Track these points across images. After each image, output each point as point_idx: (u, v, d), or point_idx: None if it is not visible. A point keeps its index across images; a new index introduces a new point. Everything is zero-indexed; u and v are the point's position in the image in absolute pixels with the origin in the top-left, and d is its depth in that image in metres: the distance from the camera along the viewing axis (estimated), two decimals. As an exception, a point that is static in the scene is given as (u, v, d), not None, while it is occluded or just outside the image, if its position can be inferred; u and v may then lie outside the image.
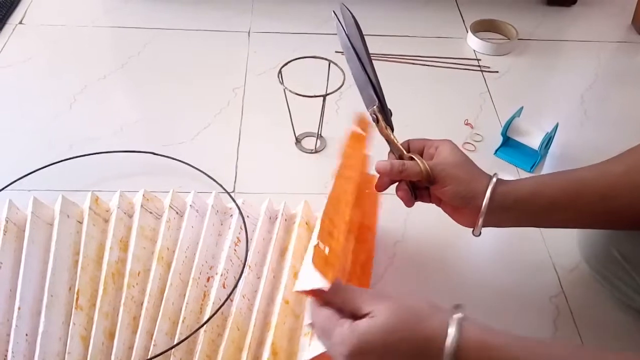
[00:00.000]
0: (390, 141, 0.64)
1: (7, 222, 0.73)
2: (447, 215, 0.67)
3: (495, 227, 0.64)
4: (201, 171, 0.88)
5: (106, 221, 0.76)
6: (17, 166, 0.87)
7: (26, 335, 0.65)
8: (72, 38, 1.17)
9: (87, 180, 0.88)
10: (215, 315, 0.68)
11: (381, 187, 0.65)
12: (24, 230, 0.72)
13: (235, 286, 0.70)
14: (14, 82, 1.06)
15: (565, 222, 0.65)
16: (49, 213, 0.76)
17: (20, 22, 1.20)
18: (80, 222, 0.75)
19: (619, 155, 0.63)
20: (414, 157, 0.62)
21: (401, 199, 0.66)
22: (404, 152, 0.64)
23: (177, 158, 0.90)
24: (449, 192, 0.62)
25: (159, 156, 0.90)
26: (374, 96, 0.63)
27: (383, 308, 0.47)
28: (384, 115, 0.64)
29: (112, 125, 0.98)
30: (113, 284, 0.70)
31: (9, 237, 0.72)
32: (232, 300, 0.69)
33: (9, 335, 0.65)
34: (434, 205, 0.84)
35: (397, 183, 0.66)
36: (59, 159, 0.88)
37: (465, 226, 0.65)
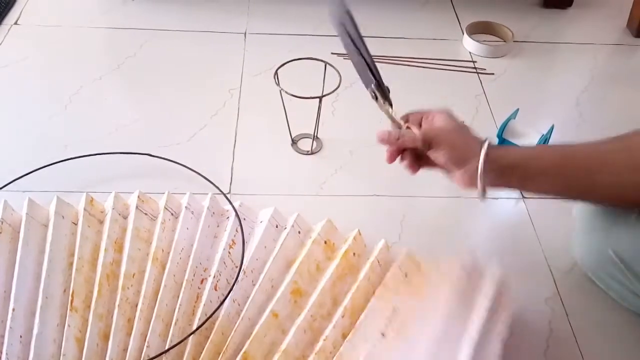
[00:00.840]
0: (389, 116, 0.69)
1: (1, 222, 0.73)
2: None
3: (487, 188, 0.65)
4: (197, 172, 0.88)
5: (101, 222, 0.76)
6: (12, 167, 0.87)
7: (20, 337, 0.65)
8: (67, 39, 1.17)
9: (83, 181, 0.87)
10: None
11: (390, 159, 0.69)
12: (19, 232, 0.72)
13: (231, 290, 0.70)
14: (9, 83, 1.06)
15: (553, 191, 0.67)
16: (43, 214, 0.75)
17: (16, 23, 1.20)
18: (75, 224, 0.75)
19: (616, 136, 0.65)
20: (410, 127, 0.67)
21: (406, 167, 0.69)
22: (403, 124, 0.68)
23: (172, 159, 0.90)
24: (444, 156, 0.64)
25: (155, 157, 0.90)
26: (371, 76, 0.68)
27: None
28: (382, 92, 0.69)
29: (108, 126, 0.97)
30: (108, 286, 0.70)
31: (4, 238, 0.72)
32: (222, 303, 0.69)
33: (3, 336, 0.64)
34: (428, 207, 0.85)
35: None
36: (54, 160, 0.88)
37: (465, 188, 0.66)
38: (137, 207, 0.76)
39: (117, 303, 0.68)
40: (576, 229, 0.78)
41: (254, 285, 0.71)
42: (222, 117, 1.01)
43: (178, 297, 0.69)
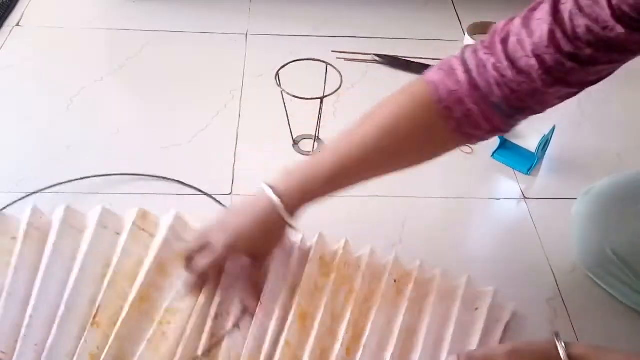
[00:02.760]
0: None
1: (29, 226, 0.70)
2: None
3: None
4: (200, 191, 0.88)
5: (152, 236, 0.73)
6: (13, 167, 0.87)
7: (35, 345, 0.62)
8: (69, 40, 1.17)
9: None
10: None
11: None
12: (47, 236, 0.70)
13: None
14: (11, 84, 1.06)
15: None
16: (81, 220, 0.73)
17: (18, 24, 1.20)
18: (119, 234, 0.72)
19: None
20: None
21: None
22: None
23: (202, 189, 0.88)
24: None
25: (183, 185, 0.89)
26: None
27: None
28: None
29: (109, 127, 0.97)
30: (139, 308, 0.66)
31: (30, 242, 0.69)
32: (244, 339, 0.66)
33: (16, 341, 0.62)
34: (430, 208, 0.85)
35: None
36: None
37: None
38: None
39: (148, 336, 0.64)
40: (574, 229, 0.79)
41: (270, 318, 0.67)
42: (224, 118, 1.01)
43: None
